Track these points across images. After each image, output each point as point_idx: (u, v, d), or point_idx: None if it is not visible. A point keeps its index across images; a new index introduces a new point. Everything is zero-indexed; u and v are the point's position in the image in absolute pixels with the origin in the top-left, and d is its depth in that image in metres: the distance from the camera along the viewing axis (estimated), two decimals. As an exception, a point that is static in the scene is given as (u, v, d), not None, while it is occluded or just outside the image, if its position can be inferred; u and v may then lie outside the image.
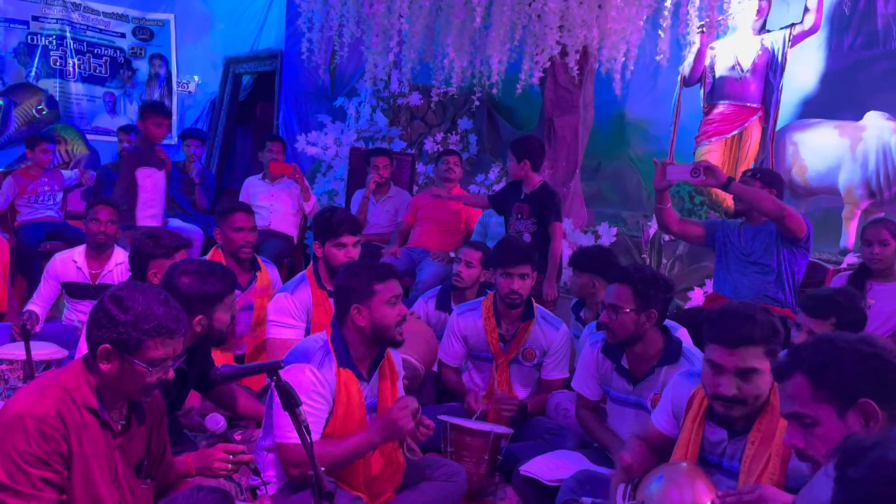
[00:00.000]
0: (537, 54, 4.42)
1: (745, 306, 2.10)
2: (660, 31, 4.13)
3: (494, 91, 4.74)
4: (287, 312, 3.24)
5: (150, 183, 5.06)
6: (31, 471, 1.69)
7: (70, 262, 4.04)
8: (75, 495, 1.77)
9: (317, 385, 2.34)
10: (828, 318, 2.55)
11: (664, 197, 3.63)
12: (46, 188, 5.56)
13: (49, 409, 1.73)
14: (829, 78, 5.91)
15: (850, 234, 5.43)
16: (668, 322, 2.88)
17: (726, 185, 3.45)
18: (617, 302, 2.65)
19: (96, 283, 3.99)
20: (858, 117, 5.51)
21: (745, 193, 3.50)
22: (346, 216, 3.34)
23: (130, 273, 3.27)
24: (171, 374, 1.87)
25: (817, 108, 5.90)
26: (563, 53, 4.42)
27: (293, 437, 2.26)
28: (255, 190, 5.64)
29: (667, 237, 5.12)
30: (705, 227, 3.84)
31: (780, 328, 2.05)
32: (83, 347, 2.92)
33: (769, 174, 3.90)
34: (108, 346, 1.79)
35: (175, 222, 5.75)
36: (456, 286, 3.89)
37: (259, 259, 3.84)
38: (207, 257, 3.78)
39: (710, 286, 5.05)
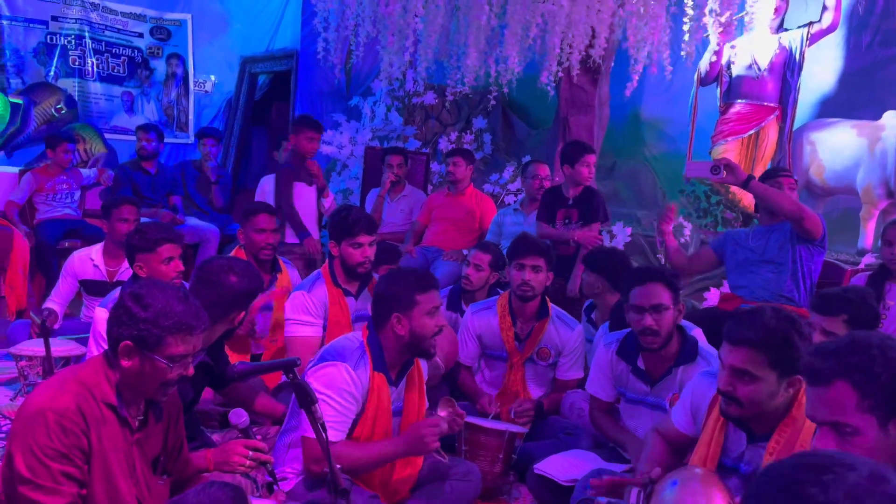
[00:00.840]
0: (552, 55, 4.42)
1: (769, 312, 2.02)
2: (685, 28, 4.10)
3: (507, 91, 4.74)
4: (304, 310, 3.25)
5: (302, 198, 4.92)
6: (51, 465, 1.71)
7: (88, 260, 4.08)
8: (95, 490, 1.79)
9: (350, 385, 2.36)
10: (839, 314, 2.53)
11: (668, 238, 3.77)
12: (65, 186, 5.62)
13: (69, 403, 1.75)
14: (848, 77, 5.86)
15: (868, 234, 5.38)
16: (682, 321, 2.87)
17: (746, 183, 3.42)
18: (660, 301, 2.63)
19: (114, 280, 4.03)
20: (877, 116, 5.46)
21: (765, 193, 3.48)
22: (362, 215, 3.34)
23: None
24: (191, 371, 1.89)
25: (835, 107, 5.86)
26: (579, 52, 4.42)
27: None
28: (270, 189, 5.66)
29: (681, 239, 5.09)
30: (713, 249, 3.83)
31: (795, 345, 1.95)
32: (93, 345, 2.96)
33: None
34: (129, 342, 1.81)
35: (192, 220, 5.80)
36: (465, 289, 3.88)
37: (280, 260, 3.87)
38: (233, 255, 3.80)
39: (726, 287, 5.03)
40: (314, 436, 2.27)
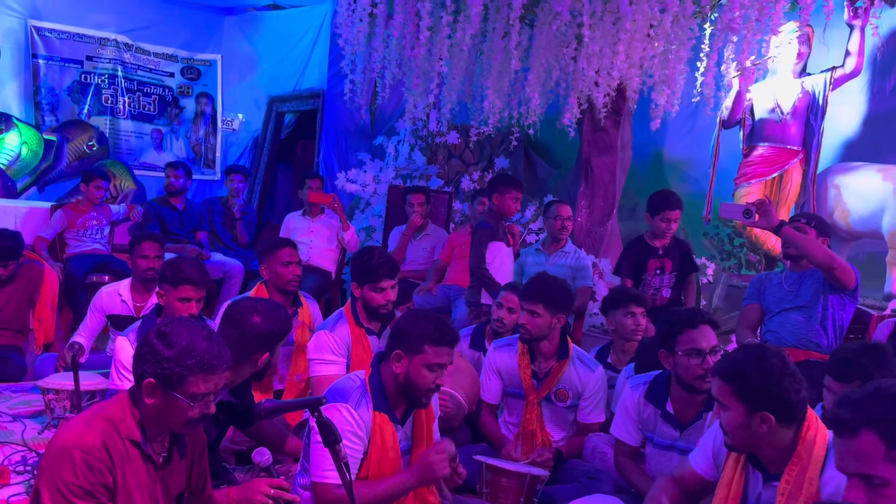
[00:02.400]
0: (574, 96, 4.47)
1: (747, 348, 2.16)
2: (697, 75, 4.14)
3: (531, 131, 4.78)
4: (328, 349, 3.27)
5: (498, 259, 4.70)
6: (77, 502, 1.73)
7: (116, 295, 4.14)
8: None
9: (353, 425, 2.35)
10: (852, 381, 2.38)
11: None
12: (94, 222, 5.73)
13: (96, 441, 1.78)
14: (872, 121, 5.85)
15: (894, 279, 5.32)
16: None
17: (778, 229, 3.39)
18: (715, 342, 2.66)
19: (140, 315, 4.08)
20: (902, 161, 5.44)
21: (797, 240, 3.43)
22: (385, 259, 3.33)
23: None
24: (213, 409, 1.91)
25: (860, 151, 5.84)
26: (601, 95, 4.46)
27: (329, 477, 2.28)
28: (295, 225, 5.75)
29: (703, 279, 5.08)
30: (753, 300, 3.79)
31: (751, 378, 2.02)
32: (114, 375, 3.01)
33: (822, 222, 3.84)
34: (152, 380, 1.84)
35: (217, 256, 5.87)
36: (497, 331, 3.83)
37: (301, 294, 3.90)
38: (251, 293, 3.84)
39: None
40: (326, 480, 2.29)
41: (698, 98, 4.23)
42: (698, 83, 4.16)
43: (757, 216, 3.39)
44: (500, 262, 4.63)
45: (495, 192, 4.67)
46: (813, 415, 2.08)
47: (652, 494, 2.34)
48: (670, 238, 4.39)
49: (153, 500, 1.88)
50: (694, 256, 4.27)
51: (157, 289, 3.33)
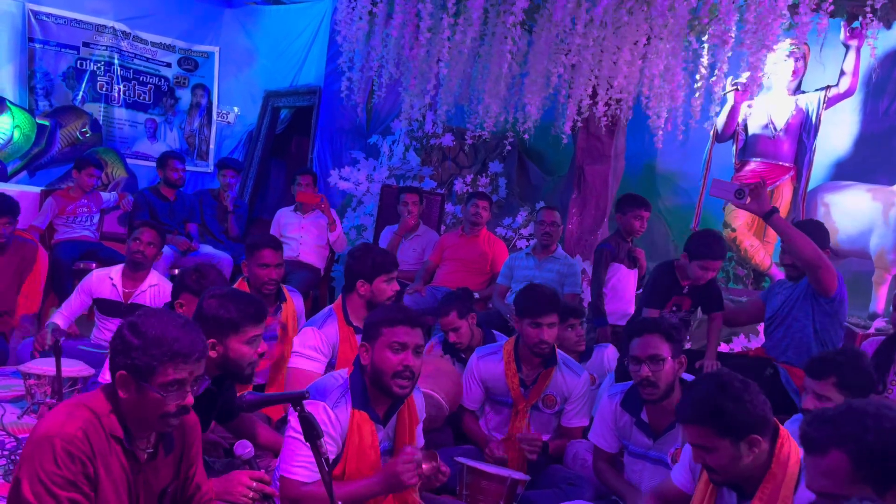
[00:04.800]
0: (570, 104, 4.48)
1: (702, 387, 2.07)
2: (700, 86, 4.16)
3: (527, 136, 4.78)
4: (311, 346, 3.26)
5: (621, 281, 4.61)
6: (58, 492, 1.70)
7: (106, 279, 4.13)
8: None
9: (328, 425, 2.33)
10: (827, 377, 2.46)
11: None
12: (84, 209, 5.70)
13: (77, 430, 1.74)
14: (863, 141, 5.90)
15: (880, 298, 5.36)
16: (685, 376, 2.87)
17: (769, 215, 3.27)
18: (657, 352, 2.63)
19: (128, 301, 4.07)
20: (892, 182, 5.49)
21: (786, 230, 3.32)
22: (390, 254, 3.47)
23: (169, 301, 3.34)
24: (191, 400, 1.85)
25: (850, 170, 5.89)
26: (596, 104, 4.48)
27: (296, 473, 2.28)
28: (286, 221, 5.74)
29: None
30: (762, 298, 3.80)
31: (728, 411, 1.98)
32: (104, 374, 2.98)
33: (823, 232, 3.70)
34: (123, 372, 1.80)
35: (206, 248, 5.85)
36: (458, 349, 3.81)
37: (284, 289, 3.88)
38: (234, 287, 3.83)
39: (736, 343, 5.02)
40: (292, 476, 2.28)
41: (695, 116, 4.23)
42: (698, 95, 4.17)
43: (749, 198, 3.23)
44: (619, 285, 4.55)
45: (619, 210, 4.58)
46: (785, 433, 2.09)
47: None
48: (709, 281, 4.03)
49: (133, 496, 1.84)
50: (721, 298, 3.93)
51: (176, 301, 3.25)
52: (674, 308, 3.92)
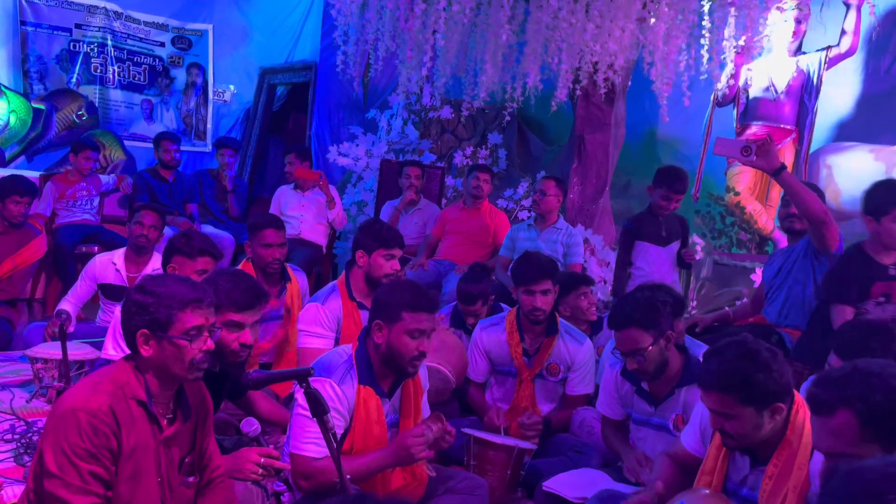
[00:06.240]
0: (569, 72, 4.44)
1: (726, 353, 2.01)
2: (703, 52, 4.11)
3: (531, 101, 4.73)
4: (317, 322, 3.27)
5: (647, 257, 4.40)
6: (80, 464, 1.74)
7: (109, 264, 4.13)
8: (120, 491, 1.81)
9: (335, 401, 2.35)
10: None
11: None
12: (84, 193, 5.69)
13: (102, 404, 1.78)
14: (865, 101, 5.85)
15: (882, 259, 5.34)
16: (688, 340, 2.87)
17: (778, 172, 3.21)
18: (637, 346, 2.61)
19: (132, 286, 4.07)
20: (894, 142, 5.45)
21: (795, 186, 3.28)
22: (395, 230, 3.45)
23: None
24: (212, 345, 1.91)
25: (852, 131, 5.85)
26: (596, 71, 4.43)
27: (307, 450, 2.29)
28: (286, 199, 5.72)
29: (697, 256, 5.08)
30: (763, 279, 3.79)
31: (755, 380, 1.94)
32: (110, 341, 2.99)
33: (816, 191, 3.65)
34: (144, 330, 1.85)
35: (207, 229, 5.85)
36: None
37: (288, 268, 3.89)
38: (238, 268, 3.83)
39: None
40: (303, 452, 2.29)
41: (704, 76, 4.17)
42: (705, 60, 4.11)
43: (755, 156, 3.16)
44: (646, 264, 4.38)
45: (652, 182, 4.37)
46: (800, 399, 2.08)
47: (655, 473, 2.35)
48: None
49: (157, 462, 1.88)
50: None
51: (168, 265, 3.28)
52: (881, 299, 3.08)
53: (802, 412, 2.03)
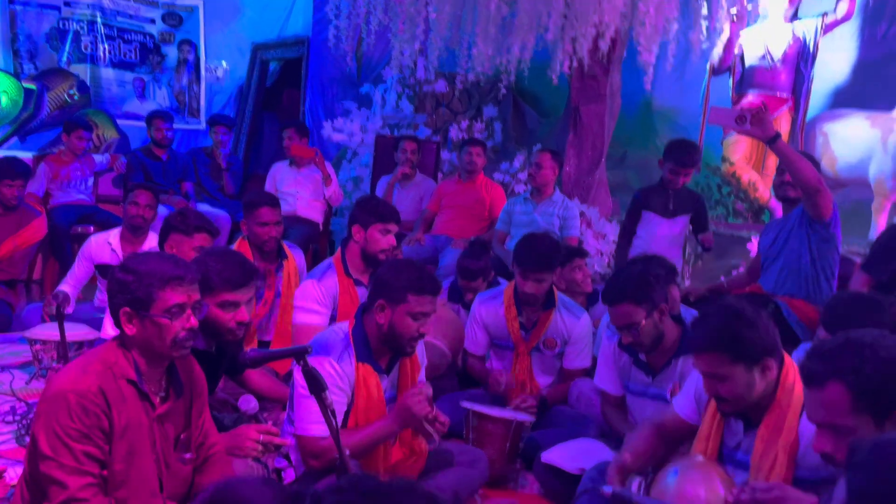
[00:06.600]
0: (563, 44, 4.40)
1: (712, 314, 2.06)
2: (702, 21, 4.07)
3: (517, 78, 4.70)
4: (312, 298, 3.27)
5: (649, 228, 4.35)
6: (73, 445, 1.75)
7: (105, 244, 4.12)
8: (115, 470, 1.82)
9: (335, 378, 2.36)
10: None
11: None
12: (78, 173, 5.66)
13: (91, 385, 1.78)
14: (862, 67, 5.82)
15: (879, 226, 5.36)
16: (683, 310, 2.88)
17: (773, 140, 3.20)
18: (630, 321, 2.63)
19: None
20: (890, 108, 5.43)
21: (789, 155, 3.28)
22: (393, 207, 3.46)
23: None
24: (195, 322, 1.90)
25: (849, 97, 5.83)
26: (590, 41, 4.39)
27: (313, 430, 2.30)
28: (281, 176, 5.70)
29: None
30: (759, 249, 3.79)
31: (744, 336, 1.99)
32: (106, 328, 3.00)
33: (811, 160, 3.63)
34: (126, 308, 1.86)
35: (203, 207, 5.83)
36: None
37: (285, 245, 3.88)
38: (234, 247, 3.82)
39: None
40: (309, 433, 2.31)
41: (706, 44, 4.11)
42: (704, 27, 4.07)
43: (750, 124, 3.14)
44: (646, 234, 4.34)
45: (663, 155, 4.33)
46: (790, 361, 2.11)
47: (629, 440, 2.38)
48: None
49: (151, 440, 1.89)
50: None
51: (166, 243, 3.28)
52: None
53: (793, 374, 2.06)
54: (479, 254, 4.03)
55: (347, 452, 2.01)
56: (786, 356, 2.11)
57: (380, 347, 2.46)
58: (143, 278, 1.85)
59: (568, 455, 2.70)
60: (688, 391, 2.35)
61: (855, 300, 2.54)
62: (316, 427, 2.29)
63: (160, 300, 1.85)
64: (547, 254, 3.29)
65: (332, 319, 3.25)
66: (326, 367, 2.35)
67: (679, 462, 2.06)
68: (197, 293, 1.92)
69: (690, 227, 4.42)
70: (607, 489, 2.00)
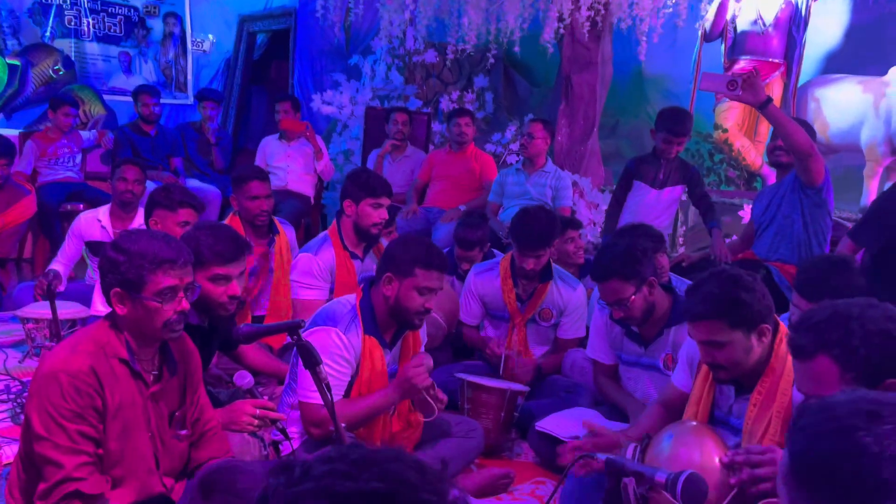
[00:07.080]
0: (553, 12, 4.35)
1: (710, 280, 2.05)
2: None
3: (516, 49, 4.65)
4: (310, 273, 3.27)
5: (639, 199, 4.31)
6: (67, 425, 1.74)
7: (95, 221, 4.09)
8: (110, 448, 1.82)
9: (342, 349, 2.38)
10: (820, 300, 2.25)
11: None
12: (66, 150, 5.60)
13: (82, 364, 1.77)
14: (854, 32, 5.79)
15: (871, 191, 5.37)
16: (674, 279, 2.88)
17: (764, 105, 3.21)
18: (619, 296, 2.64)
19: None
20: (883, 72, 5.41)
21: (781, 119, 3.28)
22: (383, 179, 3.41)
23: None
24: (186, 305, 1.88)
25: (841, 63, 5.80)
26: (581, 9, 4.35)
27: (315, 397, 2.31)
28: (271, 150, 5.65)
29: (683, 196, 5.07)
30: (752, 216, 3.79)
31: (743, 301, 1.98)
32: (95, 304, 2.99)
33: (805, 125, 3.65)
34: (117, 289, 1.83)
35: (193, 182, 5.79)
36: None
37: (276, 220, 3.86)
38: (225, 222, 3.80)
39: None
40: (311, 400, 2.32)
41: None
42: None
43: (741, 89, 3.15)
44: (635, 204, 4.29)
45: (655, 124, 4.26)
46: (784, 328, 2.12)
47: (639, 420, 2.39)
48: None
49: (146, 418, 1.89)
50: None
51: (150, 218, 3.25)
52: None
53: (786, 341, 2.06)
54: (476, 224, 4.02)
55: (343, 425, 2.02)
56: (780, 323, 2.12)
57: (386, 321, 2.48)
58: (135, 259, 1.81)
59: (562, 423, 2.72)
60: (682, 362, 2.36)
61: (828, 264, 2.53)
62: (317, 395, 2.31)
63: (152, 283, 1.82)
64: (545, 232, 3.28)
65: (331, 293, 3.25)
66: (333, 338, 2.37)
67: (673, 427, 2.07)
68: (190, 275, 1.89)
69: (686, 195, 4.41)
70: (601, 456, 2.02)
